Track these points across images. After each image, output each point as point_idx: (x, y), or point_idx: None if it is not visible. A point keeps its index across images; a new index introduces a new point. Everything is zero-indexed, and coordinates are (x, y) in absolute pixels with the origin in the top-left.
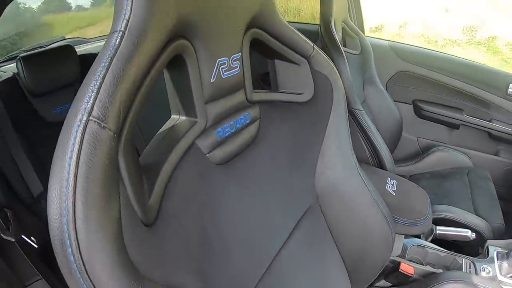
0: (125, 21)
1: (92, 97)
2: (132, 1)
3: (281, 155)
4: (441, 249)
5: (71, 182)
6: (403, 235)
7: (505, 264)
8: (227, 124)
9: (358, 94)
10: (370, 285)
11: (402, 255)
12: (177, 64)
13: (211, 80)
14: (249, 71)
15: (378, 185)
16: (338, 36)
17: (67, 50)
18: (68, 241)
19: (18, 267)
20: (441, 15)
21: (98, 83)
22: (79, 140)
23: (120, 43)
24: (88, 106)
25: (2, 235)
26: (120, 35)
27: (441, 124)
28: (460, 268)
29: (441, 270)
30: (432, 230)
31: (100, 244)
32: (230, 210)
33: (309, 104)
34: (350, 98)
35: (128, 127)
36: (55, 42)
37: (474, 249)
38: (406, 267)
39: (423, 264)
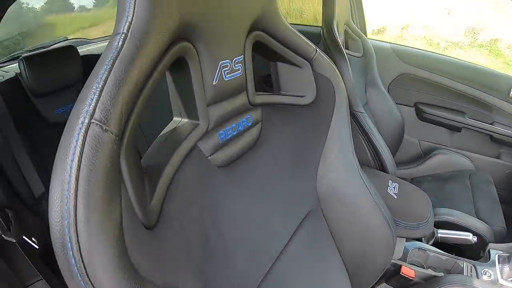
0: (127, 23)
1: (94, 99)
2: (135, 3)
3: (283, 158)
4: (443, 252)
5: (73, 185)
6: (405, 238)
7: (506, 268)
8: (229, 126)
9: (360, 96)
10: None
11: (403, 258)
12: (179, 66)
13: (214, 83)
14: (251, 74)
15: (379, 188)
16: (340, 39)
17: (70, 50)
18: (69, 244)
19: (19, 268)
20: (443, 17)
21: (100, 86)
22: (81, 143)
23: (122, 45)
24: (90, 108)
25: (3, 235)
26: (122, 37)
27: (443, 126)
28: (461, 272)
29: (442, 274)
30: (433, 233)
31: (102, 247)
32: (231, 213)
33: (311, 106)
34: (352, 101)
35: (130, 130)
36: (57, 43)
37: (476, 252)
38: (407, 271)
39: (424, 268)
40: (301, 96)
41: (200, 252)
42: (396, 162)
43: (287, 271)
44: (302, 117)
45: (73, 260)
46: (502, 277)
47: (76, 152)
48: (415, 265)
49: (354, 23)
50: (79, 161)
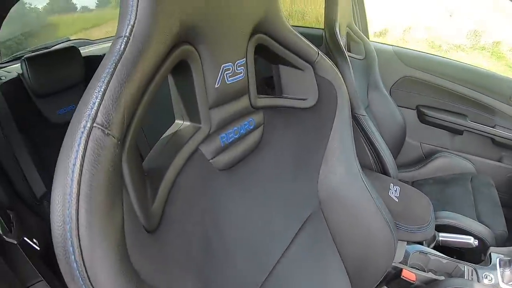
0: (129, 26)
1: (96, 103)
2: (137, 6)
3: (285, 161)
4: (443, 256)
5: (75, 189)
6: (406, 242)
7: (507, 272)
8: (231, 129)
9: (362, 99)
10: None
11: (404, 262)
12: (181, 69)
13: (216, 86)
14: (254, 77)
15: (381, 191)
16: (342, 41)
17: (72, 51)
18: (71, 248)
19: (19, 269)
20: (445, 19)
21: (102, 89)
22: (83, 147)
23: (125, 48)
24: (92, 112)
25: (4, 237)
26: (125, 40)
27: (445, 129)
28: (462, 275)
29: (443, 277)
30: (434, 237)
31: (103, 252)
32: (233, 216)
33: (313, 109)
34: (354, 104)
35: (132, 133)
36: (60, 43)
37: (477, 256)
38: (408, 274)
39: (425, 271)
40: (303, 99)
41: (201, 255)
42: (398, 165)
43: (288, 274)
44: (304, 120)
45: (75, 264)
46: (503, 281)
47: (78, 156)
48: (416, 268)
49: (356, 25)
50: (81, 165)
